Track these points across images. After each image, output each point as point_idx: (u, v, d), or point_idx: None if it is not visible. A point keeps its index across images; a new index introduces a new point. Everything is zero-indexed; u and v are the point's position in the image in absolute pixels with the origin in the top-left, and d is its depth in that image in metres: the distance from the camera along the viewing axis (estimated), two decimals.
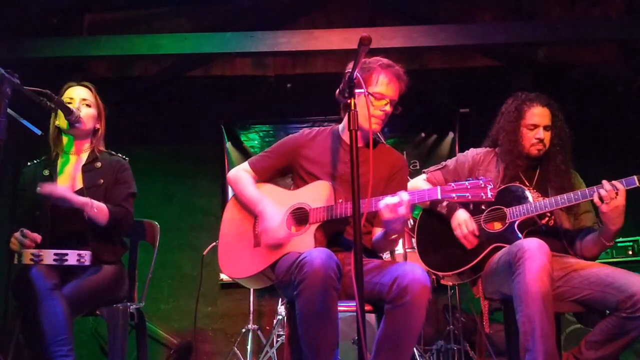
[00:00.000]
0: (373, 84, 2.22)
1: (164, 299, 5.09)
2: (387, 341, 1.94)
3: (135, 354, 2.64)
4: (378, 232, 2.28)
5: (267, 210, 2.22)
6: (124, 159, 2.66)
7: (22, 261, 2.21)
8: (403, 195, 1.96)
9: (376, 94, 2.21)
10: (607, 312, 2.24)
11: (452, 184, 1.97)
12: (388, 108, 2.25)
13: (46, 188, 2.30)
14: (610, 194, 2.22)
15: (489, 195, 1.92)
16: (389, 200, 1.97)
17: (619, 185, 2.24)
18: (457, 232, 2.48)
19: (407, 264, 2.02)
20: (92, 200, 2.37)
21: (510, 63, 5.24)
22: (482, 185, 1.93)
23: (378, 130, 2.33)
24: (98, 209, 2.37)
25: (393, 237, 2.13)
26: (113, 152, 2.66)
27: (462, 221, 2.48)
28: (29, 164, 2.63)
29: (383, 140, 2.60)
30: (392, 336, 1.93)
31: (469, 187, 1.94)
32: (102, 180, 2.51)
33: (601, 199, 2.24)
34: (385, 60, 2.27)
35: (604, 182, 2.27)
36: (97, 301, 2.43)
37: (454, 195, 1.95)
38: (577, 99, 4.91)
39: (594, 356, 2.19)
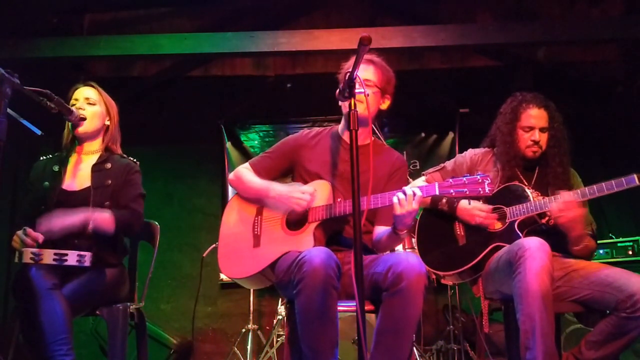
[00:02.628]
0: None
1: (164, 299, 5.08)
2: (386, 329, 1.94)
3: (135, 354, 2.64)
4: (379, 230, 2.28)
5: (280, 188, 2.24)
6: (135, 162, 2.64)
7: (23, 260, 2.20)
8: (416, 191, 1.97)
9: None
10: (607, 312, 2.23)
11: (450, 180, 1.98)
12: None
13: (44, 227, 2.23)
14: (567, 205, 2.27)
15: (487, 190, 1.92)
16: (400, 195, 1.98)
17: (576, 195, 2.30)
18: (477, 220, 2.45)
19: (402, 253, 2.03)
20: (93, 212, 2.31)
21: (510, 63, 5.23)
22: (480, 181, 1.94)
23: (362, 113, 2.09)
24: (101, 219, 2.31)
25: (403, 232, 2.11)
26: (125, 155, 2.64)
27: (471, 209, 2.46)
28: (41, 158, 2.61)
29: (383, 141, 2.60)
30: (390, 324, 1.93)
31: (466, 182, 1.95)
32: (110, 181, 2.48)
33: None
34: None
35: (564, 191, 2.34)
36: (97, 302, 2.42)
37: (451, 190, 1.96)
38: (577, 99, 4.91)
39: (594, 356, 2.19)
